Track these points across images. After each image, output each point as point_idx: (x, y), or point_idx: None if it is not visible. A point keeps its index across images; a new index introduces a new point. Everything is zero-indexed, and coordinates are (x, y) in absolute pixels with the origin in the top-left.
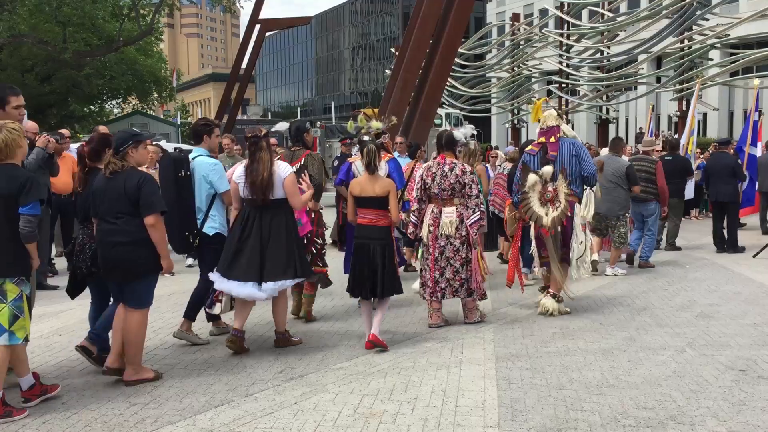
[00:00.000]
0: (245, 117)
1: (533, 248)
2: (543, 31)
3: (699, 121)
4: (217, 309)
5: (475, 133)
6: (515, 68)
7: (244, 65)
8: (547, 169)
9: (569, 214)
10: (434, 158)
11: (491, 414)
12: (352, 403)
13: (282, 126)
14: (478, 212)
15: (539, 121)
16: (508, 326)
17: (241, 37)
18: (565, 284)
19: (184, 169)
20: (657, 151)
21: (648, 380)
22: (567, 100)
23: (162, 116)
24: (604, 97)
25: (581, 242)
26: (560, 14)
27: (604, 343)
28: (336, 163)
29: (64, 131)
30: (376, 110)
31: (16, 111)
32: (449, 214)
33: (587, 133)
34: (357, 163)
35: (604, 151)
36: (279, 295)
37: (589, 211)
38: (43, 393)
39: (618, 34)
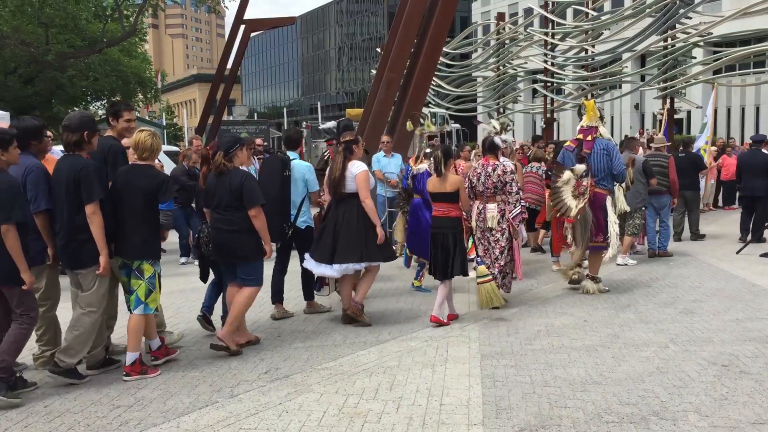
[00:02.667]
0: (231, 118)
1: (567, 234)
2: (528, 30)
3: (682, 119)
4: (325, 291)
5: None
6: (501, 67)
7: (229, 66)
8: (579, 167)
9: (591, 200)
10: (479, 160)
11: (476, 412)
12: (337, 402)
13: (330, 124)
14: (519, 207)
15: (587, 118)
16: (493, 324)
17: (226, 38)
18: (577, 259)
19: (288, 169)
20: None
21: (631, 376)
22: (552, 99)
23: (147, 117)
24: (589, 96)
25: (616, 232)
26: (545, 13)
27: (588, 340)
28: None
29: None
30: (361, 110)
31: (126, 124)
32: (492, 209)
33: (573, 132)
34: (417, 169)
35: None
36: (368, 272)
37: (621, 203)
38: (167, 354)
39: (602, 33)
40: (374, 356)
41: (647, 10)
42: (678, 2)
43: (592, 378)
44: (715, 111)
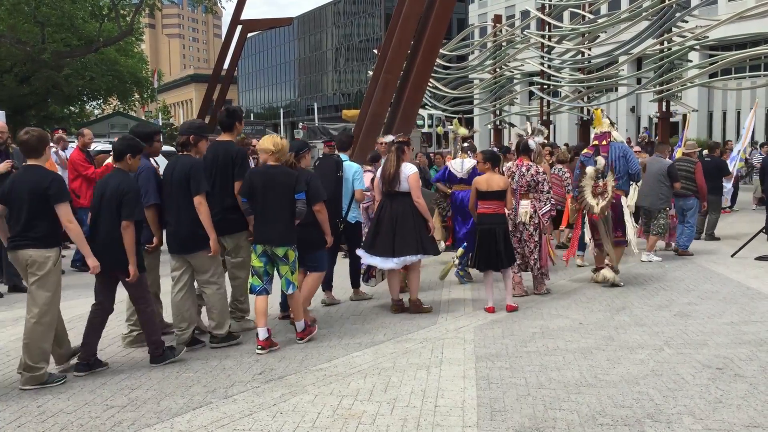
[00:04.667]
0: None
1: (587, 233)
2: (524, 32)
3: (678, 122)
4: (372, 282)
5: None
6: (497, 69)
7: (226, 66)
8: (601, 160)
9: (614, 200)
10: (513, 161)
11: (470, 414)
12: (331, 404)
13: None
14: (549, 204)
15: (597, 126)
16: (488, 326)
17: (223, 38)
18: (616, 260)
19: (341, 169)
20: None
21: (626, 379)
22: (548, 102)
23: (143, 117)
24: (585, 99)
25: (633, 225)
26: (542, 16)
27: (583, 343)
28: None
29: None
30: (357, 112)
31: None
32: (525, 206)
33: (569, 134)
34: (453, 163)
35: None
36: (412, 267)
37: (632, 200)
38: (310, 333)
39: (599, 36)
40: (369, 357)
41: (644, 14)
42: (674, 6)
43: (587, 380)
44: (710, 114)
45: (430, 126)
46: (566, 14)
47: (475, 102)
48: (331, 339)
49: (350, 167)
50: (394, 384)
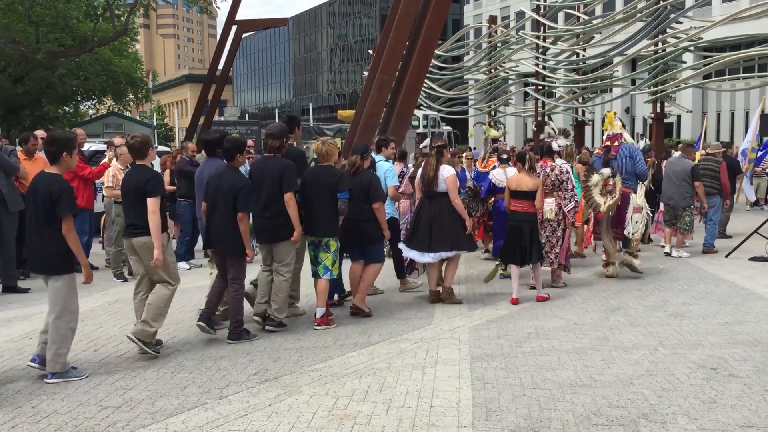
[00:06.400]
0: (222, 118)
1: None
2: (519, 33)
3: (672, 123)
4: (415, 274)
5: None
6: (492, 70)
7: (221, 66)
8: (606, 171)
9: (619, 204)
10: (538, 162)
11: (465, 414)
12: (326, 404)
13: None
14: (573, 201)
15: (607, 128)
16: (483, 327)
17: (218, 38)
18: (612, 254)
19: (374, 169)
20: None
21: (621, 379)
22: (543, 102)
23: (138, 117)
24: (580, 99)
25: (636, 222)
26: (536, 16)
27: (578, 343)
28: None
29: (38, 132)
30: (352, 112)
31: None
32: (549, 203)
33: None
34: (496, 174)
35: (676, 154)
36: (452, 259)
37: (639, 197)
38: (327, 324)
39: (593, 37)
40: (364, 358)
41: (638, 15)
42: (669, 7)
43: (582, 380)
44: (704, 115)
45: (425, 126)
46: (561, 15)
47: (470, 103)
48: (326, 339)
49: (382, 166)
50: (389, 384)
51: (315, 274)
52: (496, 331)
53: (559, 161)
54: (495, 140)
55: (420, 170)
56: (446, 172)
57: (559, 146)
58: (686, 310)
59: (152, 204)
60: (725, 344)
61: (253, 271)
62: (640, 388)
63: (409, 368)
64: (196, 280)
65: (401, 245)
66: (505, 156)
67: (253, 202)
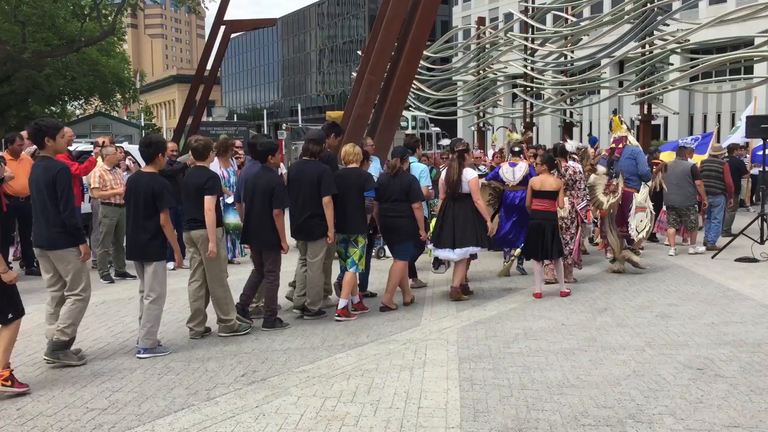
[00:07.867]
0: (211, 119)
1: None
2: (508, 35)
3: (659, 125)
4: (442, 269)
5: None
6: (481, 72)
7: (209, 67)
8: (601, 169)
9: (620, 203)
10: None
11: (453, 415)
12: (314, 405)
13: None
14: (585, 201)
15: (616, 130)
16: (471, 327)
17: (206, 38)
18: (617, 250)
19: (408, 170)
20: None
21: (608, 380)
22: (532, 104)
23: (125, 118)
24: (568, 101)
25: (641, 221)
26: (525, 18)
27: (565, 344)
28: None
29: (24, 133)
30: (341, 113)
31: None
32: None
33: (551, 136)
34: (505, 172)
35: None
36: (458, 263)
37: (642, 196)
38: (347, 317)
39: (581, 39)
40: (352, 359)
41: (626, 17)
42: (656, 9)
43: (569, 381)
44: (691, 117)
45: (413, 127)
46: (549, 17)
47: (459, 104)
48: (313, 340)
49: (417, 167)
50: (377, 385)
51: (344, 269)
52: (484, 332)
53: (571, 162)
54: (517, 143)
55: (444, 172)
56: (469, 174)
57: (577, 149)
58: (673, 310)
59: (209, 202)
60: (711, 345)
61: (285, 265)
62: (627, 388)
63: (397, 369)
64: (183, 282)
65: (429, 245)
66: (516, 149)
67: (287, 198)
